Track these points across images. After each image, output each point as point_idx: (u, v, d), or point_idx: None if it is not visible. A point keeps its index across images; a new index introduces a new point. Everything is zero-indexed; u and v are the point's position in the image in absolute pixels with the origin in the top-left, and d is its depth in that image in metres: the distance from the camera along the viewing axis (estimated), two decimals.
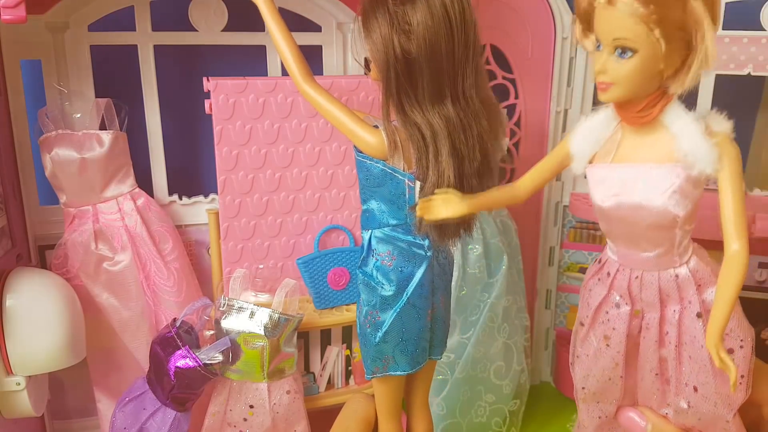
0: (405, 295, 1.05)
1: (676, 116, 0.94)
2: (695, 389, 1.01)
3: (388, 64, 0.98)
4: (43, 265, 1.55)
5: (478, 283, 1.67)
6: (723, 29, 1.69)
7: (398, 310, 1.05)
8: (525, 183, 1.10)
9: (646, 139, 0.97)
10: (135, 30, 1.50)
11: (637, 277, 1.03)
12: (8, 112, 1.44)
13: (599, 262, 1.10)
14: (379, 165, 1.02)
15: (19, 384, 1.27)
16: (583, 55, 1.79)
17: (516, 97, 1.84)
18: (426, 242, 1.07)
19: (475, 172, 1.04)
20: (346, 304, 1.62)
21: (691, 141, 0.92)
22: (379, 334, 1.06)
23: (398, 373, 1.09)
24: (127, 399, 1.41)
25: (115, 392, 1.52)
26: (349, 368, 1.70)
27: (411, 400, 1.24)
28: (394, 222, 1.05)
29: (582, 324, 1.12)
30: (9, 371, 1.26)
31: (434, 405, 1.65)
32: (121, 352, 1.54)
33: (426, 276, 1.06)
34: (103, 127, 1.44)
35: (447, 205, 0.99)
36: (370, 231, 1.08)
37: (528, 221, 1.92)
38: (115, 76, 1.55)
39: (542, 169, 1.09)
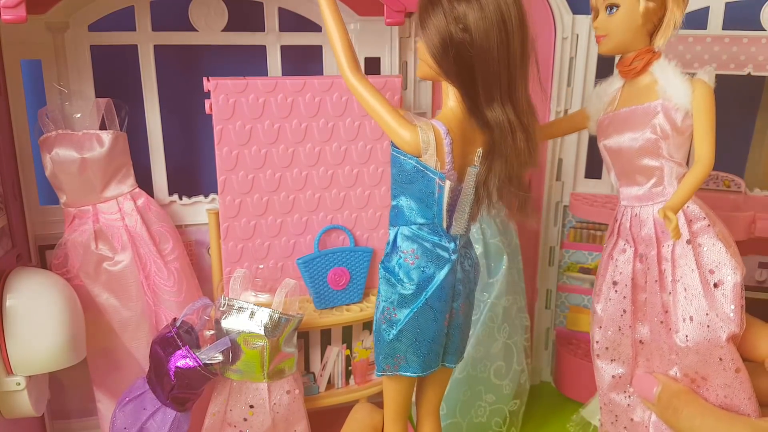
0: (424, 295, 1.04)
1: (660, 66, 1.17)
2: (691, 319, 1.09)
3: (448, 57, 0.99)
4: (44, 265, 1.55)
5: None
6: (723, 29, 1.69)
7: (415, 309, 1.05)
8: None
9: (639, 88, 1.19)
10: (135, 30, 1.50)
11: (636, 215, 1.21)
12: (8, 112, 1.45)
13: (614, 218, 1.28)
14: (411, 161, 1.02)
15: (20, 384, 1.27)
16: (583, 55, 1.79)
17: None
18: (452, 245, 1.06)
19: (507, 178, 1.07)
20: (346, 304, 1.62)
21: (668, 79, 1.15)
22: (394, 331, 1.05)
23: (408, 374, 1.08)
24: (127, 399, 1.41)
25: (115, 392, 1.52)
26: (349, 368, 1.70)
27: (421, 406, 1.22)
28: (421, 221, 1.05)
29: (597, 276, 1.28)
30: (9, 371, 1.26)
31: None
32: (121, 352, 1.54)
33: (447, 279, 1.05)
34: (103, 127, 1.44)
35: None
36: (397, 228, 1.07)
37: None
38: (115, 76, 1.55)
39: (559, 124, 1.35)
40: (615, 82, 1.25)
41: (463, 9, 0.96)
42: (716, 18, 1.70)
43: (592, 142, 1.88)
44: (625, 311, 1.20)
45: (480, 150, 1.05)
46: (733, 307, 1.07)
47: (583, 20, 1.78)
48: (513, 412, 1.78)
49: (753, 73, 1.67)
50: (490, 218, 1.69)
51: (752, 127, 1.96)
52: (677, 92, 1.13)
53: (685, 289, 1.11)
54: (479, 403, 1.71)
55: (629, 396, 1.24)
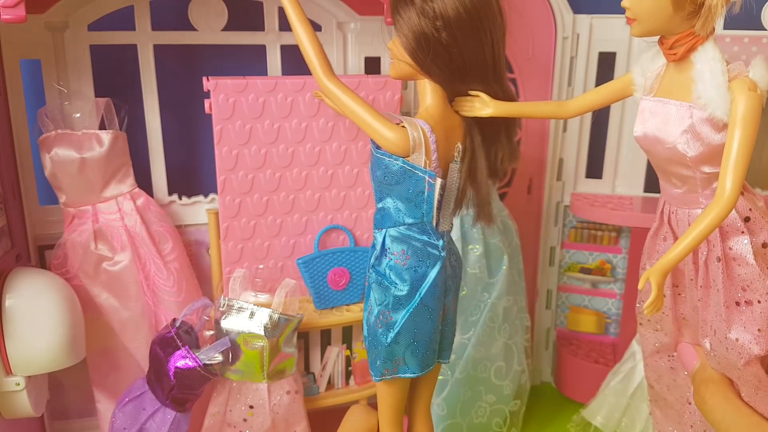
0: (418, 295, 1.04)
1: (704, 57, 0.96)
2: (715, 332, 1.03)
3: (426, 54, 0.98)
4: (43, 265, 1.55)
5: (478, 283, 1.67)
6: (724, 29, 1.69)
7: (411, 310, 1.04)
8: (578, 100, 1.14)
9: (681, 77, 1.00)
10: (135, 29, 1.50)
11: (673, 213, 1.09)
12: (8, 112, 1.44)
13: (659, 202, 1.16)
14: (398, 162, 1.00)
15: (19, 384, 1.26)
16: (584, 55, 1.79)
17: (516, 97, 1.84)
18: (440, 242, 1.06)
19: (489, 171, 1.07)
20: (346, 304, 1.62)
21: (706, 83, 0.94)
22: (391, 334, 1.04)
23: (408, 375, 1.08)
24: (126, 399, 1.40)
25: (115, 392, 1.52)
26: (349, 368, 1.70)
27: (414, 403, 1.23)
28: (410, 221, 1.04)
29: (644, 251, 1.19)
30: (8, 371, 1.26)
31: (434, 405, 1.64)
32: (120, 353, 1.54)
33: (439, 276, 1.05)
34: (102, 127, 1.43)
35: (482, 105, 1.05)
36: (384, 230, 1.06)
37: (528, 221, 1.92)
38: (114, 76, 1.55)
39: (601, 91, 1.13)
40: (657, 58, 1.05)
41: (439, 4, 0.95)
42: None
43: (593, 141, 1.88)
44: (665, 295, 1.13)
45: (459, 145, 1.05)
46: (759, 329, 0.99)
47: (584, 20, 1.78)
48: (513, 413, 1.78)
49: None
50: None
51: None
52: (712, 100, 0.93)
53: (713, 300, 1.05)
54: (479, 403, 1.71)
55: (672, 359, 1.22)
